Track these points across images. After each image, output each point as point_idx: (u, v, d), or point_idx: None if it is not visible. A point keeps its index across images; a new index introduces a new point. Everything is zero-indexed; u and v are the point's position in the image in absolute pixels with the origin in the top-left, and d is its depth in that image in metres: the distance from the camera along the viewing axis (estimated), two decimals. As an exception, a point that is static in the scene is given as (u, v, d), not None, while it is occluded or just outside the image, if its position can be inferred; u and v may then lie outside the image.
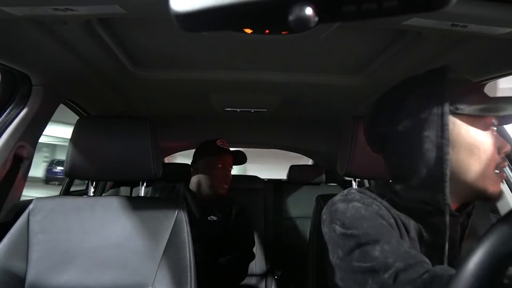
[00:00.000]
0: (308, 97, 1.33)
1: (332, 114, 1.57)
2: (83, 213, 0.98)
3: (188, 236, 0.98)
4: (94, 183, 1.12)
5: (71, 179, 1.74)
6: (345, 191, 0.68)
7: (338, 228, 0.60)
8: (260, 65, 1.02)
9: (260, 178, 2.31)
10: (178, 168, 2.08)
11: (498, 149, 0.60)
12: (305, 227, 2.06)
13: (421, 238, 0.63)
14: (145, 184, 1.14)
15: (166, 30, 0.80)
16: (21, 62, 0.95)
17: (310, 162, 2.99)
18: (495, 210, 1.08)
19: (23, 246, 0.92)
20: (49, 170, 11.82)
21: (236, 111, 1.52)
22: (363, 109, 1.39)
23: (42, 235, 0.94)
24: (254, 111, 1.52)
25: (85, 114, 1.48)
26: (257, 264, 1.94)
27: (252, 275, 1.94)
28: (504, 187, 1.09)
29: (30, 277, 0.89)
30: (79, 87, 1.20)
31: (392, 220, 0.62)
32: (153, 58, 1.00)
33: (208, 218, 1.53)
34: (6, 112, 1.02)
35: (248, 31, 0.30)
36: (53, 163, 12.15)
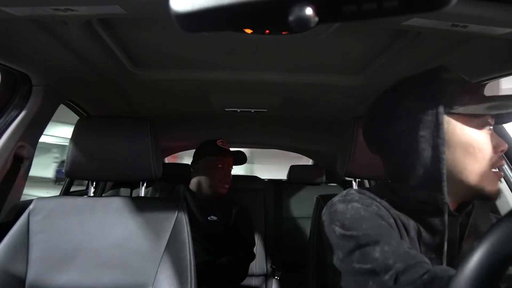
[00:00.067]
0: (308, 97, 1.33)
1: (332, 114, 1.57)
2: (83, 213, 0.98)
3: (188, 236, 0.98)
4: (94, 183, 1.12)
5: (71, 179, 1.74)
6: (345, 191, 0.69)
7: (338, 229, 0.60)
8: (260, 65, 1.02)
9: (260, 178, 2.31)
10: (178, 168, 2.08)
11: (495, 147, 0.60)
12: (305, 227, 2.06)
13: (420, 238, 0.63)
14: (145, 184, 1.14)
15: (166, 30, 0.80)
16: (21, 62, 0.95)
17: (310, 162, 2.99)
18: (495, 210, 1.08)
19: (23, 246, 0.92)
20: (59, 171, 11.86)
21: (236, 111, 1.52)
22: (363, 109, 1.38)
23: (42, 235, 0.94)
24: (254, 111, 1.52)
25: (85, 114, 1.48)
26: (257, 264, 1.94)
27: (252, 275, 1.94)
28: (504, 186, 1.09)
29: (30, 277, 0.89)
30: (79, 87, 1.20)
31: (392, 220, 0.62)
32: (153, 58, 1.00)
33: (208, 218, 1.53)
34: (6, 112, 1.02)
35: (248, 31, 0.30)
36: (62, 163, 12.14)
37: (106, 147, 1.01)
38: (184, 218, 1.00)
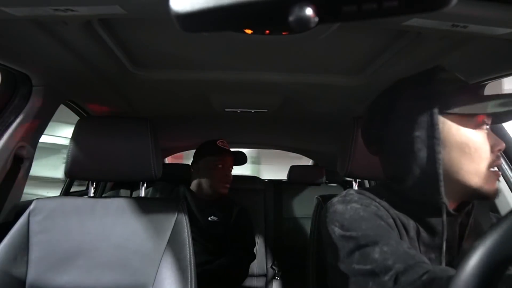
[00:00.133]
0: (309, 97, 1.33)
1: (332, 114, 1.57)
2: (83, 213, 0.98)
3: (188, 236, 0.98)
4: (95, 183, 1.12)
5: (71, 179, 1.74)
6: (344, 192, 0.69)
7: (337, 230, 0.60)
8: (260, 66, 1.02)
9: (260, 178, 2.31)
10: (179, 169, 2.09)
11: (492, 147, 0.60)
12: (306, 228, 2.06)
13: (420, 237, 0.63)
14: (145, 184, 1.14)
15: (166, 31, 0.80)
16: (22, 63, 0.95)
17: (310, 162, 2.99)
18: (495, 210, 1.08)
19: (24, 246, 0.92)
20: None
21: (236, 111, 1.52)
22: (363, 110, 1.38)
23: (43, 235, 0.94)
24: (255, 111, 1.52)
25: (85, 115, 1.48)
26: (258, 265, 1.94)
27: (253, 275, 1.94)
28: (504, 186, 1.09)
29: (31, 277, 0.89)
30: (79, 87, 1.20)
31: (391, 220, 0.62)
32: (153, 59, 1.00)
33: (209, 218, 1.53)
34: (6, 113, 1.02)
35: (248, 31, 0.30)
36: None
37: (106, 147, 1.01)
38: (184, 219, 1.00)
